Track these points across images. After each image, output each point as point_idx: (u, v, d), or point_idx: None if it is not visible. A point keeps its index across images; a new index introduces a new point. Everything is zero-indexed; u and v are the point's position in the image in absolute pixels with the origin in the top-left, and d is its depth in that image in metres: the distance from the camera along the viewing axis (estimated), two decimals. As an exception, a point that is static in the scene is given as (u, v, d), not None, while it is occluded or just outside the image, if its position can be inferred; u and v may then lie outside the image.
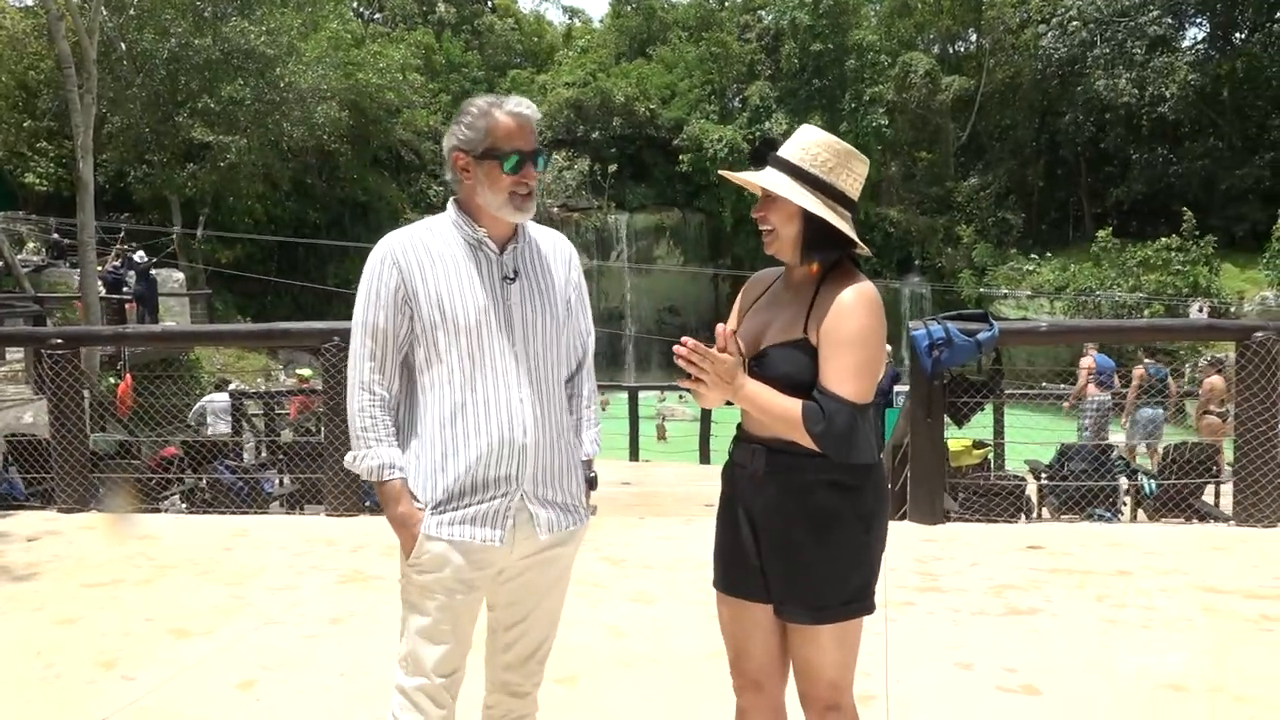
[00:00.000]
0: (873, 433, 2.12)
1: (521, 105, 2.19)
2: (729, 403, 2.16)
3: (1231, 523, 5.60)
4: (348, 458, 2.23)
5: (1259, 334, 5.40)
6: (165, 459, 9.62)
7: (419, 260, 2.18)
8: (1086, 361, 12.61)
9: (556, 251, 2.36)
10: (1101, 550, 5.10)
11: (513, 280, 2.22)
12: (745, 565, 2.23)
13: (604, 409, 24.04)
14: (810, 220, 2.13)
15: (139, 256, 20.70)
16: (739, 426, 2.32)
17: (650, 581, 4.64)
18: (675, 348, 2.03)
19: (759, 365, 2.14)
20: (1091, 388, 12.29)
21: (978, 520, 6.16)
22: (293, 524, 6.12)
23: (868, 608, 2.18)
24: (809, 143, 2.18)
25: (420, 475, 2.20)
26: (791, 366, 2.10)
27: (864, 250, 2.18)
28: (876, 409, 2.24)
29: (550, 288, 2.29)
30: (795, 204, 2.12)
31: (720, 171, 2.31)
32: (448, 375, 2.17)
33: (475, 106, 2.19)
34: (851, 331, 2.07)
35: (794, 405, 2.05)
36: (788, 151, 2.17)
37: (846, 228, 2.14)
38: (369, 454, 2.19)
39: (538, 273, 2.28)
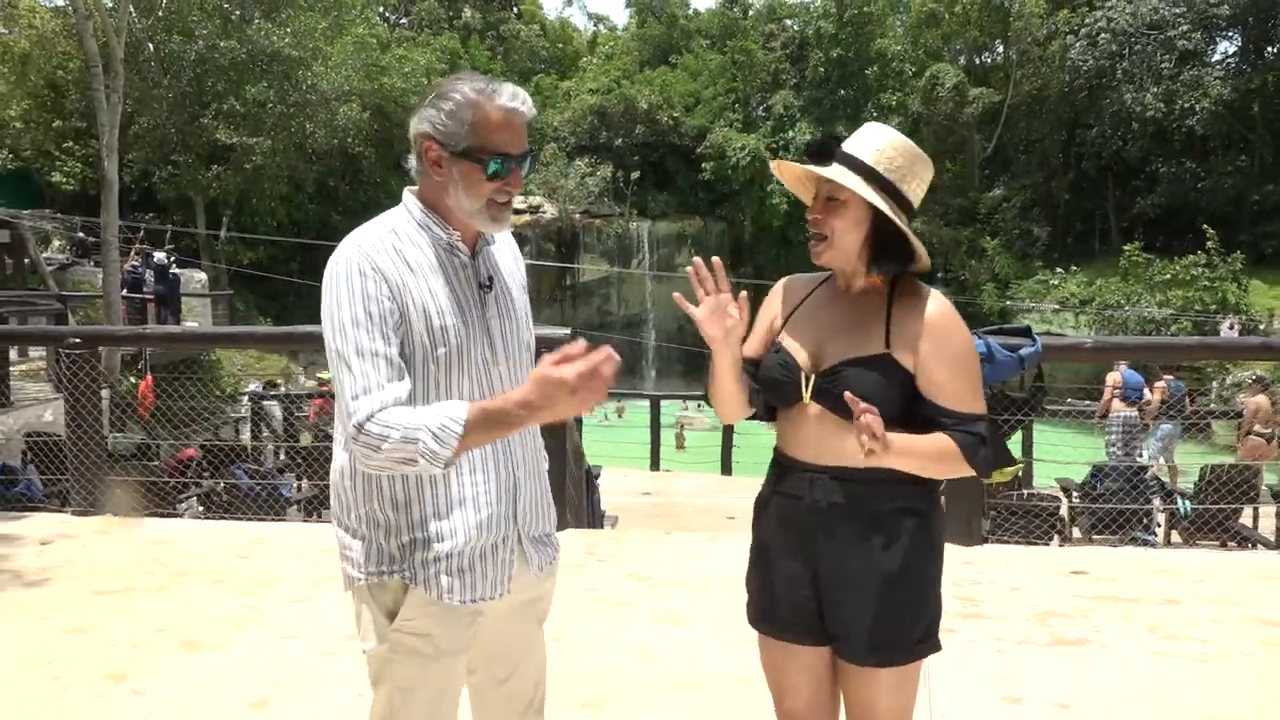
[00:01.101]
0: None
1: (517, 99, 1.81)
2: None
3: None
4: (430, 451, 1.67)
5: (1314, 354, 5.19)
6: (184, 461, 9.55)
7: (398, 270, 1.79)
8: (1113, 376, 12.41)
9: (507, 246, 2.05)
10: (1148, 577, 4.90)
11: (488, 288, 1.91)
12: (795, 605, 2.05)
13: (620, 416, 24.09)
14: (879, 228, 1.95)
15: (158, 256, 20.73)
16: (780, 450, 2.10)
17: (678, 600, 4.48)
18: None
19: (831, 384, 1.94)
20: (1117, 403, 12.07)
21: (1016, 542, 5.96)
22: (310, 531, 5.98)
23: (935, 646, 2.02)
24: (883, 143, 1.99)
25: (414, 528, 1.84)
26: (870, 383, 1.91)
27: (924, 264, 1.99)
28: None
29: (512, 291, 1.99)
30: (863, 209, 1.94)
31: (775, 163, 2.08)
32: (434, 402, 1.81)
33: (459, 93, 1.78)
34: (961, 349, 1.95)
35: (946, 442, 1.90)
36: (859, 149, 1.98)
37: (917, 243, 1.96)
38: (426, 435, 1.67)
39: (502, 276, 1.97)
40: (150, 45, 26.96)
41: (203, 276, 26.99)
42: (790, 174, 2.09)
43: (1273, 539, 8.03)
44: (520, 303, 2.01)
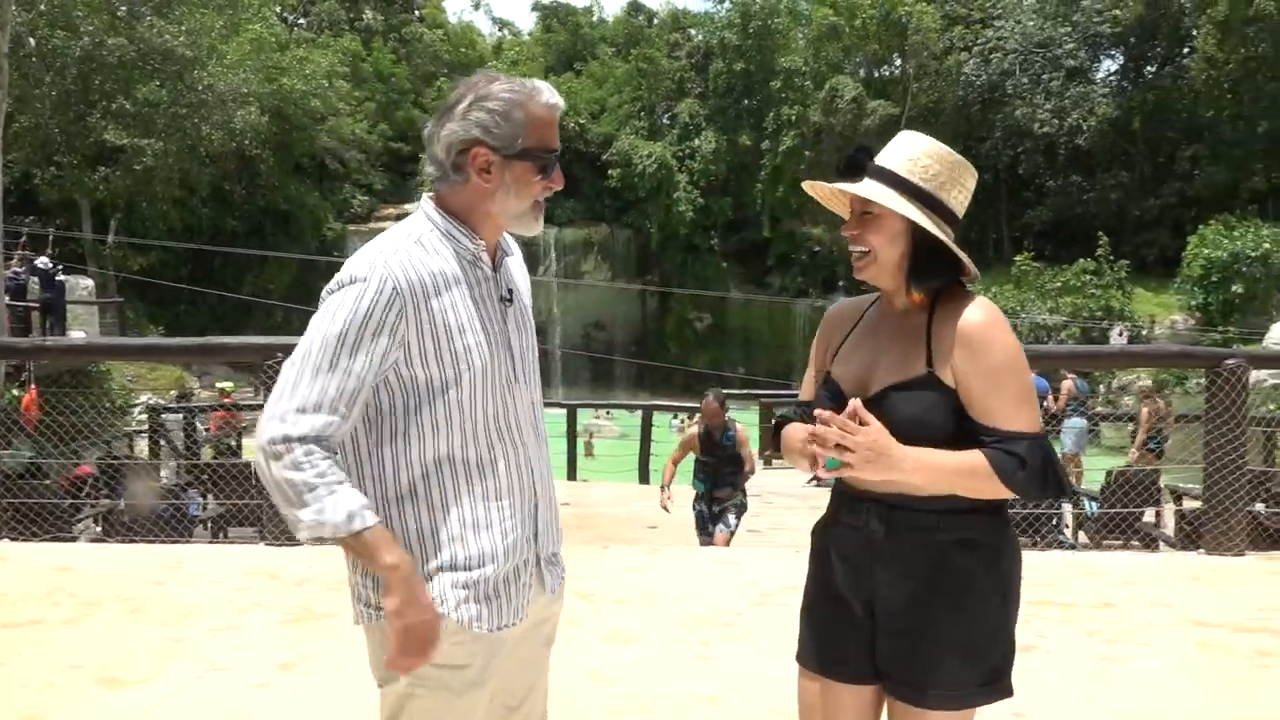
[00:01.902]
0: (1059, 463, 1.83)
1: (556, 95, 1.79)
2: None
3: (1202, 551, 5.55)
4: (305, 517, 1.60)
5: (1229, 362, 5.38)
6: (78, 478, 9.03)
7: (424, 288, 1.70)
8: (1066, 385, 12.87)
9: (518, 254, 1.99)
10: (1079, 579, 5.00)
11: (509, 302, 1.85)
12: (848, 641, 1.93)
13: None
14: (919, 241, 1.84)
15: (42, 262, 19.65)
16: (838, 479, 1.98)
17: (625, 618, 4.38)
18: (813, 429, 1.74)
19: (876, 407, 1.81)
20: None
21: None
22: (229, 554, 5.69)
23: (1004, 691, 1.87)
24: (917, 152, 1.88)
25: (441, 557, 1.75)
26: (917, 407, 1.80)
27: (972, 273, 1.91)
28: None
29: (525, 301, 1.94)
30: (900, 223, 1.84)
31: (808, 184, 1.99)
32: (468, 433, 1.74)
33: (504, 95, 1.72)
34: (1002, 357, 1.79)
35: (975, 459, 1.75)
36: (891, 161, 1.88)
37: (963, 255, 1.87)
38: (332, 501, 1.60)
39: (518, 288, 1.92)
40: (31, 40, 25.64)
41: (89, 283, 25.75)
42: (822, 191, 1.98)
43: (1174, 535, 8.34)
44: (530, 312, 1.97)
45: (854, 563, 1.91)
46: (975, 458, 1.76)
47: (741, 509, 7.50)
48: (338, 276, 1.72)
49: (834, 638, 1.95)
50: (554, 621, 2.01)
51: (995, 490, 1.76)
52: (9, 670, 3.69)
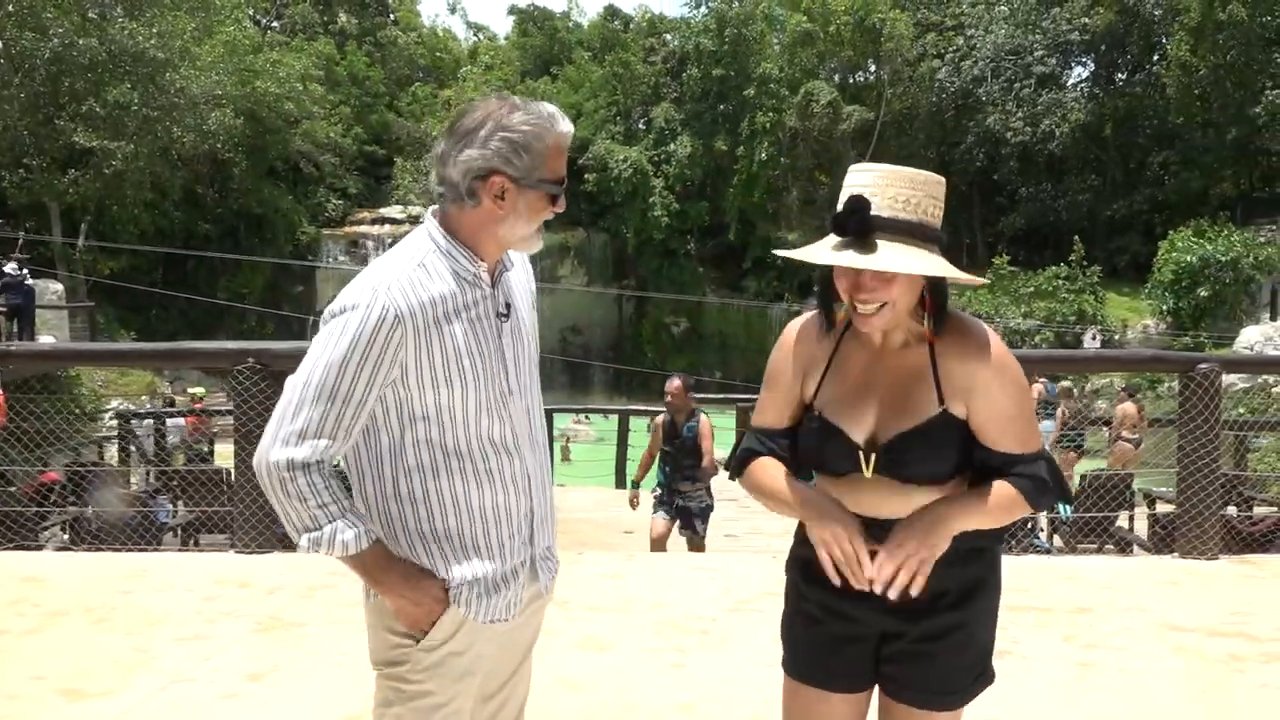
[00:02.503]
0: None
1: (569, 123, 1.85)
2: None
3: (1176, 554, 5.57)
4: (305, 541, 1.72)
5: (1203, 366, 5.41)
6: (44, 485, 8.89)
7: (425, 317, 1.74)
8: (1036, 388, 12.92)
9: (521, 265, 2.02)
10: (1055, 584, 5.00)
11: (506, 317, 1.88)
12: (847, 652, 1.93)
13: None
14: (935, 283, 1.79)
15: (11, 268, 19.33)
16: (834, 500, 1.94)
17: (600, 625, 4.33)
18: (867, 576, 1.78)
19: (895, 460, 1.80)
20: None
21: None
22: (198, 562, 5.60)
23: (989, 679, 1.96)
24: (892, 188, 1.75)
25: (447, 557, 1.84)
26: (931, 452, 1.81)
27: (976, 282, 2.00)
28: None
29: (523, 311, 1.95)
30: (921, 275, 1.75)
31: (821, 261, 1.80)
32: (453, 449, 1.79)
33: (526, 126, 1.76)
34: (1013, 387, 1.82)
35: (1008, 492, 1.79)
36: (884, 208, 1.73)
37: (961, 275, 1.83)
38: (338, 526, 1.71)
39: (516, 299, 1.94)
40: (0, 42, 25.31)
41: (59, 288, 25.41)
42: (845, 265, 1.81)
43: (1147, 538, 8.39)
44: (529, 320, 1.99)
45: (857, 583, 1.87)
46: (1008, 491, 1.80)
47: (706, 512, 7.23)
48: (340, 299, 1.76)
49: (832, 649, 1.95)
50: (538, 622, 2.06)
51: (1022, 514, 1.83)
52: (-32, 683, 3.60)
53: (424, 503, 1.82)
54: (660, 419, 7.44)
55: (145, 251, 29.85)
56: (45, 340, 19.88)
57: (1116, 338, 30.70)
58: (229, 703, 3.48)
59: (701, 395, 8.78)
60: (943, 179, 1.86)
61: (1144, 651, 4.03)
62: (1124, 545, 8.36)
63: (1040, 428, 10.10)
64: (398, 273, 1.77)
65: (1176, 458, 5.58)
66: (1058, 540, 9.27)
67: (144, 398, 24.22)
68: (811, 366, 1.93)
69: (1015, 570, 5.28)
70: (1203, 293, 29.35)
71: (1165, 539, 7.06)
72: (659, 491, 7.29)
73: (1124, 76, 41.65)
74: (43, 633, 4.15)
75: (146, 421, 13.92)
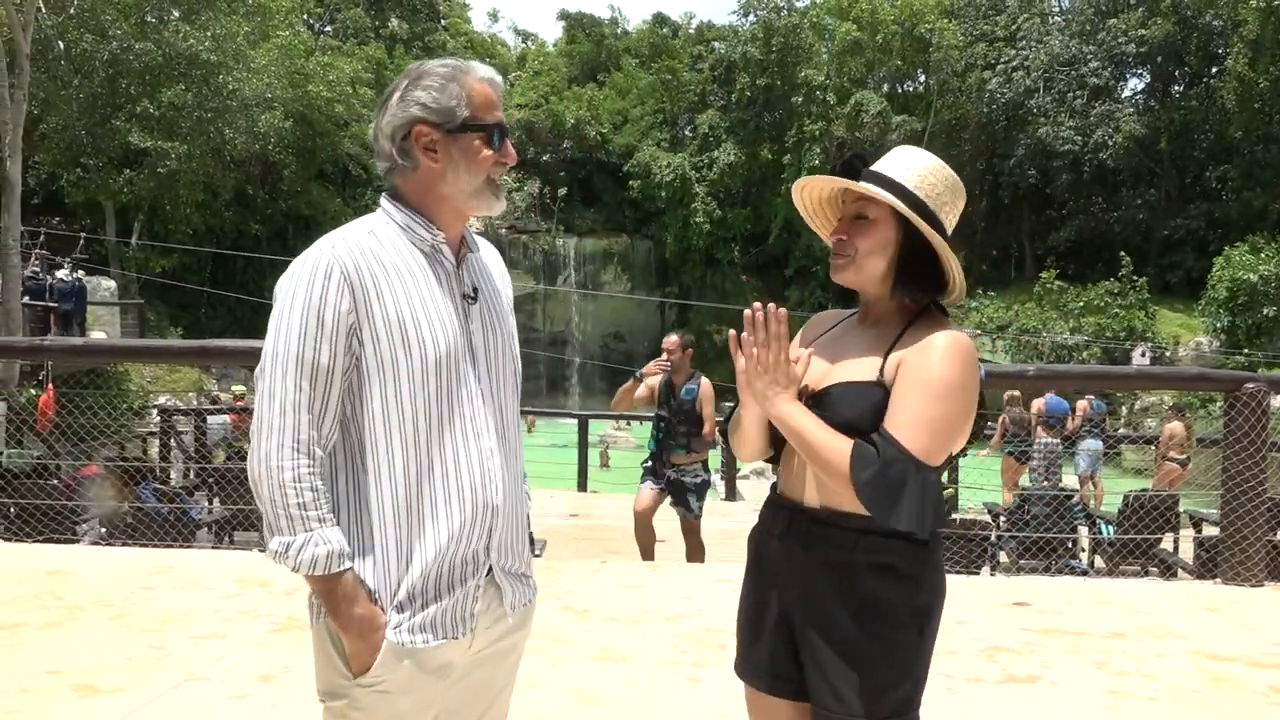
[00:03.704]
0: (931, 503, 1.72)
1: (491, 71, 1.77)
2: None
3: (1219, 580, 5.38)
4: (275, 544, 1.61)
5: (1249, 385, 5.22)
6: (84, 479, 9.00)
7: (373, 275, 1.65)
8: (1038, 403, 12.61)
9: (495, 261, 1.94)
10: (1090, 608, 4.85)
11: (473, 300, 1.77)
12: (774, 654, 1.90)
13: (530, 431, 23.81)
14: (907, 253, 1.81)
15: (62, 273, 19.71)
16: (773, 486, 1.98)
17: (618, 636, 4.26)
18: (747, 311, 1.76)
19: (817, 406, 1.79)
20: (1040, 430, 12.25)
21: (957, 571, 5.89)
22: (222, 560, 5.63)
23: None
24: (920, 166, 1.84)
25: (375, 565, 1.66)
26: (856, 412, 1.76)
27: (956, 294, 1.85)
28: None
29: (500, 306, 1.86)
30: (892, 230, 1.80)
31: (799, 182, 1.94)
32: (411, 428, 1.66)
33: (438, 72, 1.71)
34: (938, 379, 1.73)
35: (843, 443, 1.71)
36: (893, 170, 1.84)
37: (955, 268, 1.82)
38: (312, 538, 1.59)
39: (489, 289, 1.85)
40: (60, 44, 25.82)
41: (111, 284, 25.93)
42: (812, 196, 1.95)
43: (1192, 563, 8.14)
44: (508, 321, 1.87)
45: (777, 575, 1.89)
46: (841, 440, 1.72)
47: (703, 489, 6.55)
48: (288, 269, 1.69)
49: (769, 652, 1.91)
50: (521, 647, 1.90)
51: (838, 476, 1.70)
52: (-17, 675, 3.62)
53: (362, 483, 1.68)
54: (656, 378, 6.67)
55: (196, 251, 30.37)
56: (96, 336, 20.28)
57: (1167, 355, 30.03)
58: (238, 703, 3.46)
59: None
60: (965, 196, 1.90)
61: (1179, 681, 3.87)
62: (1167, 568, 8.12)
63: (1085, 445, 9.93)
64: (344, 236, 1.70)
65: (1221, 480, 5.39)
66: (1099, 561, 9.04)
67: (191, 394, 24.63)
68: (806, 342, 1.99)
69: (1049, 592, 5.16)
70: (1265, 311, 28.52)
71: (1209, 563, 6.84)
72: (649, 462, 6.64)
73: (1180, 89, 40.81)
74: (61, 626, 4.17)
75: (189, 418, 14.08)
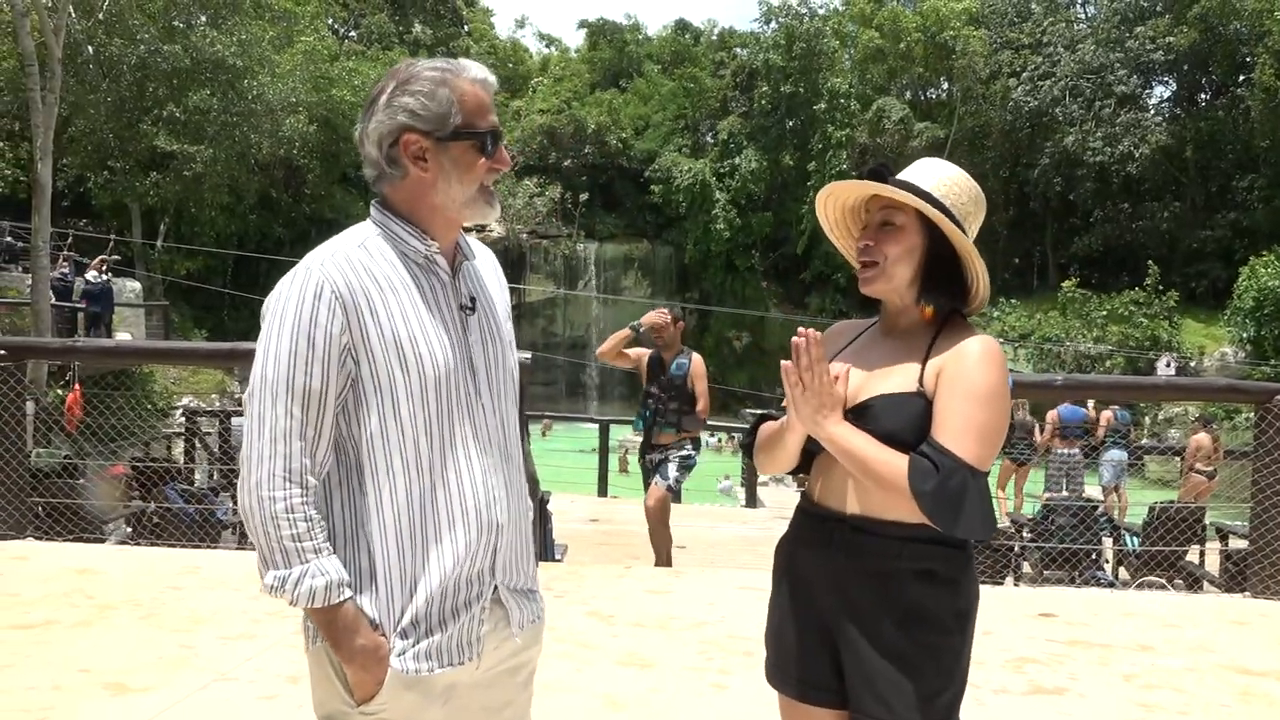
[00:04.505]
0: (986, 506, 1.74)
1: (484, 71, 1.66)
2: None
3: (1248, 593, 5.33)
4: (269, 579, 1.54)
5: (1281, 397, 5.18)
6: (112, 479, 9.08)
7: (365, 291, 1.57)
8: (1052, 414, 12.53)
9: (487, 263, 1.84)
10: (1117, 620, 4.82)
11: (470, 310, 1.70)
12: (811, 663, 1.90)
13: (544, 435, 23.82)
14: (933, 260, 1.83)
15: (91, 275, 19.91)
16: (805, 495, 1.98)
17: (643, 642, 4.27)
18: (794, 339, 1.74)
19: (857, 419, 1.79)
20: (1057, 441, 12.16)
21: (981, 581, 5.84)
22: (249, 561, 5.63)
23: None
24: (946, 176, 1.87)
25: (378, 594, 1.59)
26: (898, 423, 1.76)
27: (978, 302, 1.88)
28: None
29: (496, 314, 1.78)
30: (918, 237, 1.82)
31: (825, 190, 1.95)
32: (412, 449, 1.59)
33: (428, 74, 1.61)
34: (981, 385, 1.74)
35: (896, 457, 1.72)
36: (920, 178, 1.85)
37: (980, 273, 1.84)
38: (309, 570, 1.52)
39: (486, 297, 1.77)
40: (89, 47, 26.11)
41: (136, 286, 26.17)
42: (836, 205, 1.96)
43: (1218, 575, 8.07)
44: (505, 329, 1.79)
45: (811, 583, 1.89)
46: (895, 455, 1.72)
47: (687, 461, 6.22)
48: (276, 288, 1.61)
49: (805, 660, 1.91)
50: (532, 666, 1.83)
51: (897, 491, 1.71)
52: (17, 672, 3.66)
53: (363, 506, 1.61)
54: (644, 351, 6.35)
55: (220, 253, 30.63)
56: (121, 337, 20.47)
57: (1192, 365, 29.78)
58: (267, 704, 3.48)
59: (762, 411, 8.52)
60: (984, 202, 1.93)
61: (1209, 695, 3.84)
62: (1193, 581, 8.05)
63: (1110, 455, 9.83)
64: (333, 251, 1.62)
65: (1251, 492, 5.34)
66: (1123, 573, 8.96)
67: (214, 396, 24.80)
68: (832, 353, 1.97)
69: (1075, 603, 5.13)
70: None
71: (1237, 577, 6.77)
72: (643, 458, 6.38)
73: (1206, 98, 40.50)
74: (92, 625, 4.22)
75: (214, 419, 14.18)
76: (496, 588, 1.69)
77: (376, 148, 1.64)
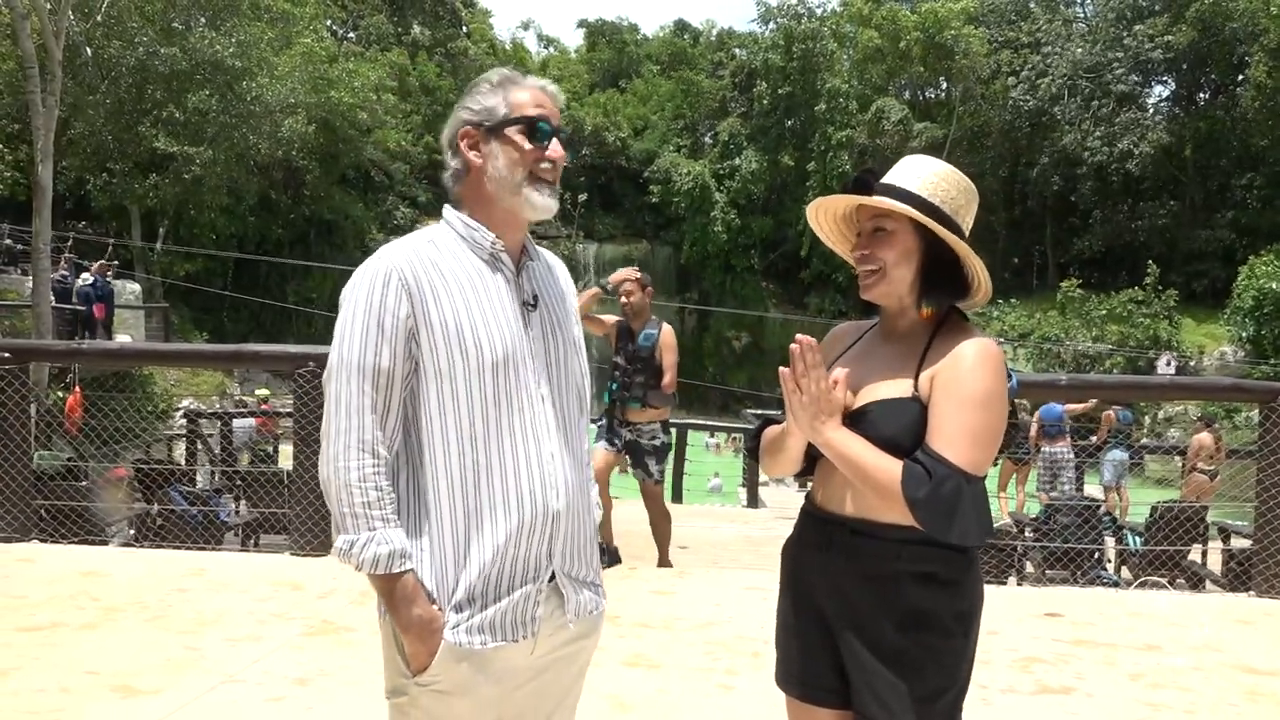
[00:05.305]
0: (984, 514, 1.76)
1: (545, 81, 1.81)
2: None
3: (1252, 593, 5.33)
4: (340, 542, 1.66)
5: (1285, 396, 5.18)
6: (114, 481, 9.08)
7: (430, 282, 1.69)
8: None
9: (558, 271, 1.95)
10: (1123, 620, 4.82)
11: (534, 307, 1.79)
12: (815, 665, 1.91)
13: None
14: (931, 260, 1.83)
15: (85, 277, 19.87)
16: (809, 497, 1.99)
17: (649, 643, 4.27)
18: (791, 345, 1.75)
19: (854, 424, 1.79)
20: (1041, 440, 12.16)
21: (987, 581, 5.84)
22: (255, 563, 5.66)
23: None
24: (931, 173, 1.86)
25: (433, 565, 1.69)
26: (897, 427, 1.76)
27: (981, 297, 1.87)
28: None
29: (565, 315, 1.87)
30: (913, 239, 1.82)
31: (814, 205, 1.97)
32: (468, 428, 1.68)
33: (486, 80, 1.79)
34: (975, 390, 1.73)
35: (891, 463, 1.72)
36: (905, 180, 1.85)
37: (979, 269, 1.83)
38: (375, 538, 1.63)
39: (552, 297, 1.86)
40: (88, 50, 26.10)
41: (136, 288, 26.15)
42: (828, 216, 1.98)
43: (1220, 575, 8.07)
44: (571, 332, 1.88)
45: (813, 585, 1.90)
46: (890, 461, 1.72)
47: (663, 451, 5.99)
48: (353, 275, 1.75)
49: (811, 662, 1.92)
50: (588, 654, 1.90)
51: (892, 497, 1.71)
52: (25, 674, 3.66)
53: (424, 486, 1.71)
54: (615, 319, 6.09)
55: (220, 255, 30.63)
56: (121, 339, 20.45)
57: (1192, 364, 29.80)
58: (275, 705, 3.48)
59: (762, 412, 8.52)
60: (978, 198, 1.92)
61: (1215, 694, 3.84)
62: (1196, 581, 8.05)
63: (1110, 455, 9.83)
64: (405, 244, 1.76)
65: (1255, 491, 5.34)
66: (1125, 572, 8.97)
67: (214, 397, 24.78)
68: (832, 356, 1.98)
69: (1080, 603, 5.13)
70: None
71: (1240, 576, 6.77)
72: (602, 419, 6.03)
73: (1205, 97, 40.53)
74: (98, 628, 4.22)
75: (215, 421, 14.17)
76: (554, 574, 1.76)
77: (448, 149, 1.80)
